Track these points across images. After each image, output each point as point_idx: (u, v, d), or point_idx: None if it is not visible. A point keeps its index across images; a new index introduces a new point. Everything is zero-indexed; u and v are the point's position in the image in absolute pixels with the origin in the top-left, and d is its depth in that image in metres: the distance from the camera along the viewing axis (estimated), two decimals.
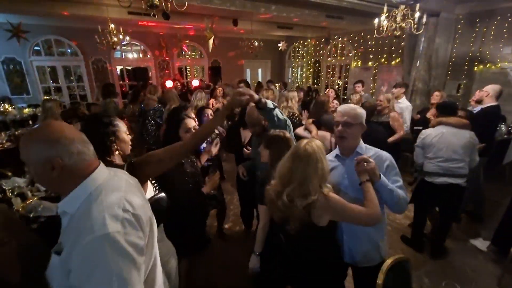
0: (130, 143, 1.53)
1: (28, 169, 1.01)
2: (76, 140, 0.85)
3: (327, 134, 2.71)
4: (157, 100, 3.98)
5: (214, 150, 2.27)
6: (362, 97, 4.52)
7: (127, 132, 1.51)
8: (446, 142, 2.52)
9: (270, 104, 1.68)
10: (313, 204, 1.26)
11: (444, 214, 2.77)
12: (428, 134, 2.64)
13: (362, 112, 1.56)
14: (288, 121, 1.92)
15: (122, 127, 1.47)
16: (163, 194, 1.41)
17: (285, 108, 3.30)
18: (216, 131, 2.84)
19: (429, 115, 3.72)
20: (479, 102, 3.16)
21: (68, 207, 0.85)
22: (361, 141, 1.60)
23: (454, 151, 2.50)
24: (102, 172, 0.91)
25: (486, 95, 3.09)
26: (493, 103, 3.05)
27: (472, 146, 2.52)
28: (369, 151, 1.56)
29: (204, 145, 2.30)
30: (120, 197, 0.85)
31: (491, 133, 3.15)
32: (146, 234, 0.88)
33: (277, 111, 1.74)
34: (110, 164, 1.27)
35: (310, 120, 3.00)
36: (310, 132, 2.87)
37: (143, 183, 1.27)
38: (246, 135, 2.67)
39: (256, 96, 1.49)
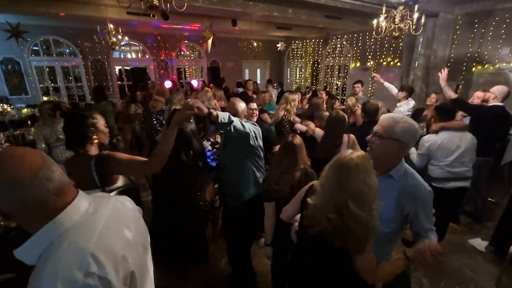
0: (108, 134, 1.69)
1: None
2: (29, 173, 0.65)
3: (321, 132, 2.77)
4: (164, 102, 3.98)
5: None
6: (358, 100, 4.52)
7: (105, 125, 1.68)
8: (453, 147, 2.52)
9: (224, 117, 1.64)
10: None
11: (443, 216, 2.76)
12: (433, 141, 2.58)
13: (404, 127, 1.25)
14: (256, 131, 1.98)
15: (100, 120, 1.63)
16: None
17: (284, 109, 3.29)
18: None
19: (429, 116, 3.72)
20: (485, 102, 3.18)
21: (26, 257, 0.67)
22: (403, 163, 1.32)
23: (462, 155, 2.52)
24: (75, 209, 0.71)
25: (494, 98, 3.08)
26: (497, 103, 3.06)
27: (474, 147, 2.56)
28: (407, 177, 1.30)
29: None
30: (85, 252, 0.65)
31: (494, 132, 3.11)
32: None
33: (236, 124, 1.72)
34: (83, 155, 1.48)
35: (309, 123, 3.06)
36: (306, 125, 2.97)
37: (111, 175, 1.47)
38: None
39: (205, 110, 1.47)
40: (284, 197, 1.62)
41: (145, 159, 1.45)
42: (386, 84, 4.67)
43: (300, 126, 3.05)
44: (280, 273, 2.00)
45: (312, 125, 2.95)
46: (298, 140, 1.79)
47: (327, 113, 3.03)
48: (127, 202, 0.92)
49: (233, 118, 1.72)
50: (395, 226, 1.31)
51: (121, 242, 0.76)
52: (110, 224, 0.76)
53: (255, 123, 2.12)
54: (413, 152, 2.77)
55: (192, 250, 2.03)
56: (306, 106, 4.32)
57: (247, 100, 2.77)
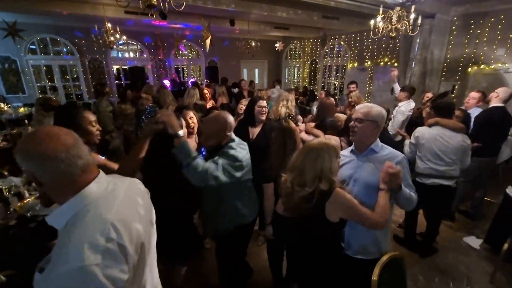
0: (96, 133, 1.68)
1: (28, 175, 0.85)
2: (64, 149, 0.77)
3: (334, 137, 2.45)
4: (151, 100, 3.97)
5: None
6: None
7: (94, 124, 1.67)
8: (439, 144, 2.51)
9: (186, 155, 1.49)
10: (309, 196, 1.38)
11: (432, 215, 2.79)
12: (422, 132, 2.61)
13: (377, 111, 1.59)
14: (238, 163, 1.69)
15: (88, 117, 1.64)
16: None
17: (284, 106, 3.26)
18: None
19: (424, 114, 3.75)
20: (487, 102, 3.22)
21: (55, 222, 0.80)
22: (378, 140, 1.64)
23: (446, 153, 2.50)
24: (98, 185, 0.83)
25: (496, 97, 3.11)
26: (498, 104, 3.09)
27: (464, 149, 2.51)
28: (384, 150, 1.62)
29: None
30: (106, 221, 0.76)
31: (496, 133, 3.14)
32: (133, 264, 0.80)
33: (196, 168, 1.50)
34: None
35: (312, 124, 2.85)
36: (315, 136, 2.64)
37: None
38: (254, 132, 2.64)
39: (175, 128, 1.43)
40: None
41: (116, 166, 1.49)
42: (396, 85, 4.63)
43: (305, 137, 2.69)
44: (275, 255, 2.18)
45: (321, 133, 2.59)
46: (292, 124, 2.02)
47: (341, 119, 2.72)
48: (139, 184, 1.04)
49: (196, 162, 1.50)
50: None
51: (135, 215, 0.88)
52: (126, 200, 0.88)
53: (244, 147, 1.81)
54: (406, 143, 2.85)
55: (183, 241, 1.98)
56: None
57: (256, 98, 2.73)
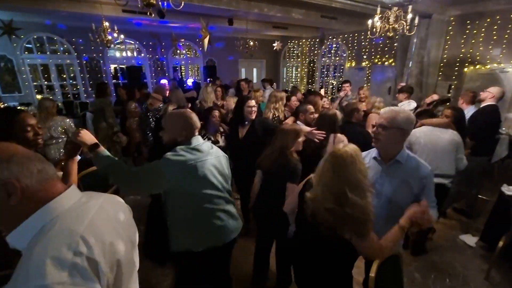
0: (34, 139, 1.53)
1: None
2: (33, 157, 0.71)
3: (343, 137, 2.49)
4: (162, 100, 4.00)
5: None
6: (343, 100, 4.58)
7: (29, 129, 1.51)
8: (430, 141, 2.55)
9: (102, 164, 1.40)
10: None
11: None
12: (413, 133, 2.60)
13: (404, 116, 1.44)
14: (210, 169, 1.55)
15: (24, 121, 1.49)
16: None
17: (274, 109, 3.22)
18: (221, 129, 2.87)
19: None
20: (480, 101, 3.26)
21: (17, 242, 0.69)
22: (404, 149, 1.50)
23: (438, 150, 2.52)
24: (67, 198, 0.74)
25: (491, 97, 3.16)
26: (493, 103, 3.15)
27: (456, 144, 2.51)
28: (410, 160, 1.48)
29: None
30: (75, 233, 0.66)
31: (491, 132, 3.20)
32: (107, 285, 0.69)
33: (116, 178, 1.42)
34: None
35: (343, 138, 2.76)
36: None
37: None
38: (243, 131, 2.69)
39: (86, 143, 1.38)
40: (267, 172, 2.04)
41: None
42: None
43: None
44: (262, 251, 2.27)
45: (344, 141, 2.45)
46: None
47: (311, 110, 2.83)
48: (118, 199, 0.95)
49: (117, 168, 1.40)
50: (406, 207, 1.38)
51: (110, 230, 0.78)
52: (101, 213, 0.79)
53: (214, 150, 1.66)
54: None
55: None
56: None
57: (244, 98, 2.76)
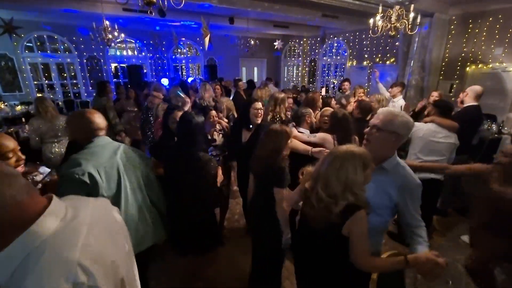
0: (15, 165, 1.44)
1: None
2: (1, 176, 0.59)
3: (328, 136, 2.44)
4: (162, 99, 4.00)
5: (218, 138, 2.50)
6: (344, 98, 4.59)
7: (10, 155, 1.42)
8: (433, 142, 2.60)
9: None
10: (337, 208, 1.19)
11: (424, 209, 2.81)
12: (420, 128, 2.69)
13: (403, 121, 1.33)
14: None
15: (6, 146, 1.41)
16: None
17: (272, 112, 3.00)
18: (219, 126, 2.84)
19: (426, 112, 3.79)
20: (462, 103, 3.25)
21: None
22: (395, 156, 1.39)
23: (438, 151, 2.60)
24: (51, 217, 0.63)
25: (466, 95, 3.19)
26: (472, 103, 3.14)
27: (454, 147, 2.64)
28: (397, 170, 1.37)
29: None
30: (71, 262, 0.58)
31: (469, 132, 3.19)
32: None
33: None
34: None
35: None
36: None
37: None
38: (247, 135, 2.64)
39: None
40: (259, 176, 1.91)
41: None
42: (380, 85, 4.76)
43: (304, 138, 2.46)
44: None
45: (318, 134, 2.49)
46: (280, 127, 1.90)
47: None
48: (107, 204, 0.86)
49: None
50: (385, 215, 1.38)
51: (108, 247, 0.70)
52: (94, 228, 0.69)
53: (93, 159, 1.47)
54: None
55: (204, 235, 2.04)
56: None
57: (251, 100, 2.72)
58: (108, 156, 1.48)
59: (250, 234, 2.25)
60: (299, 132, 2.55)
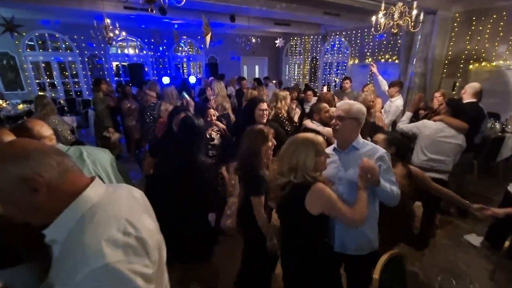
0: None
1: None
2: (49, 151, 0.70)
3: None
4: (156, 97, 3.99)
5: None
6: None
7: None
8: (439, 141, 2.59)
9: None
10: (286, 186, 1.41)
11: (427, 208, 2.79)
12: (427, 126, 2.69)
13: (358, 108, 1.61)
14: None
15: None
16: None
17: (274, 108, 3.06)
18: (216, 128, 2.82)
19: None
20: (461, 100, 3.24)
21: (56, 234, 0.70)
22: (359, 137, 1.64)
23: (443, 151, 2.59)
24: (97, 188, 0.76)
25: (464, 92, 3.18)
26: (470, 100, 3.11)
27: (460, 149, 2.62)
28: (365, 146, 1.62)
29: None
30: (120, 217, 0.70)
31: (470, 130, 3.18)
32: (154, 261, 0.74)
33: None
34: None
35: (308, 121, 2.89)
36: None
37: None
38: None
39: None
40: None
41: None
42: (380, 77, 4.69)
43: (311, 125, 2.73)
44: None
45: (320, 126, 2.66)
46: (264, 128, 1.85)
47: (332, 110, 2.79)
48: (134, 190, 0.95)
49: None
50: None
51: (144, 215, 0.82)
52: (132, 201, 0.83)
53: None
54: (404, 119, 2.98)
55: (198, 241, 1.93)
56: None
57: (257, 100, 2.70)
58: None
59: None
60: (312, 123, 2.78)
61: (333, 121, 1.65)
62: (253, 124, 2.48)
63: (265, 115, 2.49)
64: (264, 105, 2.51)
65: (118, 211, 0.72)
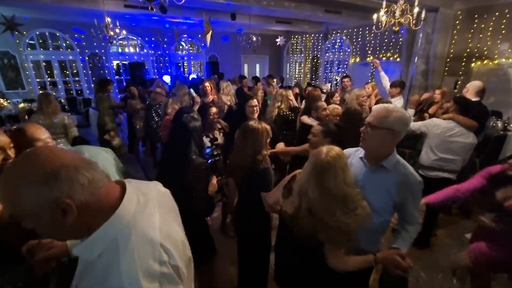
0: (4, 163, 1.31)
1: (25, 223, 0.63)
2: (80, 165, 0.63)
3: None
4: (165, 95, 3.99)
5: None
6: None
7: (3, 150, 1.29)
8: (449, 140, 2.53)
9: None
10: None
11: (428, 207, 2.78)
12: (438, 125, 2.62)
13: (398, 116, 1.27)
14: None
15: None
16: None
17: (277, 108, 3.26)
18: (219, 126, 2.82)
19: (431, 111, 3.74)
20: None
21: (87, 254, 0.68)
22: (394, 153, 1.33)
23: (453, 150, 2.54)
24: (129, 202, 0.71)
25: (466, 91, 3.16)
26: (473, 98, 3.08)
27: (471, 146, 2.56)
28: (398, 168, 1.31)
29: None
30: (155, 243, 0.68)
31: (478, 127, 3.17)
32: (184, 281, 0.73)
33: None
34: None
35: (305, 116, 2.97)
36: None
37: None
38: None
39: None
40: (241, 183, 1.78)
41: None
42: (383, 73, 4.63)
43: (307, 120, 2.82)
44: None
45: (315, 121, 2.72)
46: (261, 124, 1.77)
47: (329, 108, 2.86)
48: (160, 186, 0.93)
49: None
50: (386, 215, 1.36)
51: (175, 227, 0.80)
52: (163, 212, 0.78)
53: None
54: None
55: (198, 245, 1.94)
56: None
57: (245, 97, 2.76)
58: None
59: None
60: (308, 118, 2.85)
61: (363, 127, 1.35)
62: (245, 120, 2.53)
63: (255, 111, 2.59)
64: (254, 102, 2.63)
65: (152, 234, 0.69)
